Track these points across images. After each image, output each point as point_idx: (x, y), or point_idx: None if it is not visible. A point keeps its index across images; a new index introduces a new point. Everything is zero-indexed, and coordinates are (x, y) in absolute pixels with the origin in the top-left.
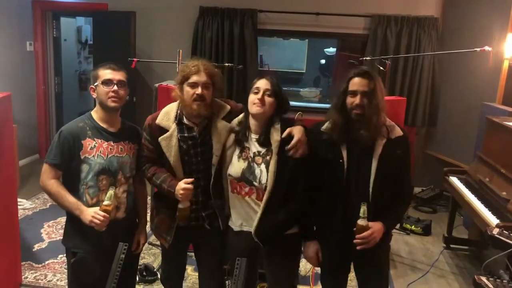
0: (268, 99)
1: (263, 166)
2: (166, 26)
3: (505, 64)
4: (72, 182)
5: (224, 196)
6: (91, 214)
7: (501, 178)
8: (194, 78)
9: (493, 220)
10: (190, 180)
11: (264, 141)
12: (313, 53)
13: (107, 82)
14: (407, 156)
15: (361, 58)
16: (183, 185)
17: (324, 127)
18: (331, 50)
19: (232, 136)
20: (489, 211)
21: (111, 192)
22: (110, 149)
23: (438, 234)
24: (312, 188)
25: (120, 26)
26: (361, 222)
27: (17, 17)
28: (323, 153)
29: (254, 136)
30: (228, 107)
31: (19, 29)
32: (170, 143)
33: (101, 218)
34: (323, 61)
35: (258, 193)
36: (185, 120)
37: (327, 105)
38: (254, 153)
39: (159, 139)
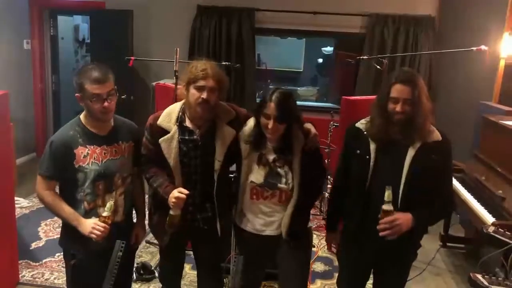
0: (280, 126)
1: (286, 167)
2: (163, 24)
3: (501, 63)
4: (69, 190)
5: (229, 202)
6: (91, 225)
7: (497, 176)
8: (201, 83)
9: (489, 218)
10: (185, 191)
11: (283, 150)
12: (310, 52)
13: (96, 98)
14: (447, 163)
15: (358, 57)
16: (176, 193)
17: (360, 122)
18: (329, 49)
19: (248, 145)
20: (485, 209)
21: (111, 203)
22: (104, 153)
23: (434, 232)
24: (339, 182)
25: (118, 25)
26: (385, 206)
27: (14, 15)
28: (354, 148)
29: (270, 145)
30: (234, 112)
31: (16, 27)
32: (170, 145)
33: (101, 229)
34: (320, 60)
35: (281, 195)
36: (186, 123)
37: (324, 104)
38: (274, 158)
39: (160, 140)
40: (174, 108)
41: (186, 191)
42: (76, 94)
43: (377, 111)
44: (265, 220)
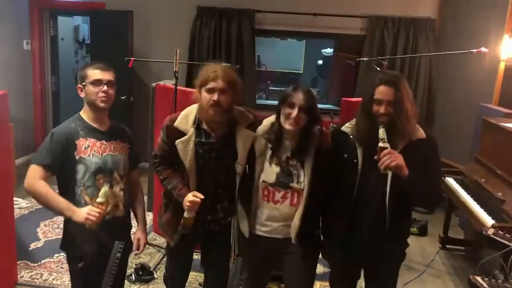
0: (303, 116)
1: (299, 166)
2: (163, 25)
3: (501, 66)
4: (66, 185)
5: (248, 204)
6: (85, 211)
7: (497, 178)
8: (211, 84)
9: (488, 220)
10: (200, 195)
11: (301, 149)
12: (310, 53)
13: (97, 82)
14: (433, 158)
15: (358, 59)
16: (191, 197)
17: (345, 126)
18: (328, 51)
19: (261, 144)
20: (485, 211)
21: (105, 188)
22: (104, 148)
23: (434, 234)
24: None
25: (118, 25)
26: (381, 144)
27: (14, 16)
28: (340, 152)
29: (287, 142)
30: (252, 116)
31: (16, 28)
32: (187, 147)
33: (96, 215)
34: (320, 62)
35: (293, 197)
36: (204, 125)
37: (324, 106)
38: (286, 156)
39: (176, 142)
40: (191, 110)
41: (201, 195)
42: (78, 85)
43: (362, 114)
44: (275, 223)
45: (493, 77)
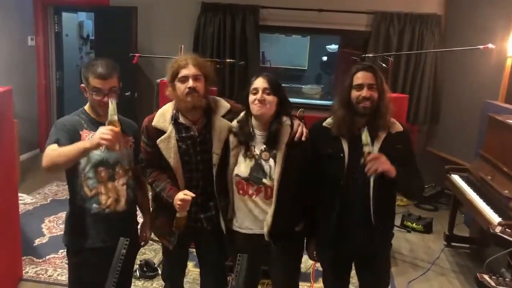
0: (268, 98)
1: (271, 161)
2: (168, 21)
3: (508, 62)
4: (71, 175)
5: (229, 198)
6: (98, 133)
7: (503, 176)
8: (183, 72)
9: (495, 218)
10: (190, 193)
11: (272, 140)
12: (315, 50)
13: (97, 91)
14: (409, 152)
15: (363, 55)
16: (181, 195)
17: (326, 122)
18: (333, 47)
19: (235, 137)
20: (491, 209)
21: (113, 104)
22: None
23: (439, 232)
24: (314, 184)
25: (122, 21)
26: (366, 149)
27: (19, 12)
28: (324, 148)
29: (259, 133)
30: (228, 105)
31: (20, 24)
32: (169, 145)
33: (110, 132)
34: (325, 58)
35: (266, 191)
36: (181, 120)
37: (329, 102)
38: (260, 150)
39: (158, 141)
40: (168, 108)
41: (191, 194)
42: (82, 85)
43: (340, 104)
44: (252, 217)
45: (499, 73)
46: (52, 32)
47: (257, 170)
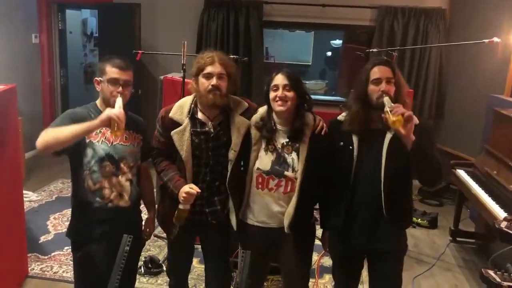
0: (288, 94)
1: (294, 154)
2: (171, 18)
3: None
4: (76, 168)
5: (243, 194)
6: (107, 110)
7: (508, 170)
8: (209, 69)
9: (500, 213)
10: (196, 188)
11: (295, 135)
12: (319, 45)
13: (113, 82)
14: (428, 144)
15: (368, 50)
16: (187, 188)
17: (341, 116)
18: (337, 42)
19: (257, 132)
20: (497, 204)
21: (121, 99)
22: (115, 136)
23: (444, 227)
24: (329, 177)
25: (125, 18)
26: (389, 109)
27: (22, 10)
28: (337, 141)
29: (280, 128)
30: (246, 104)
31: (24, 22)
32: (182, 137)
33: (118, 114)
34: (329, 53)
35: (287, 185)
36: (198, 115)
37: (333, 98)
38: (282, 144)
39: (172, 132)
40: (186, 101)
41: (197, 189)
42: (95, 78)
43: (355, 98)
44: (269, 212)
45: (505, 67)
46: (56, 30)
47: (280, 163)
